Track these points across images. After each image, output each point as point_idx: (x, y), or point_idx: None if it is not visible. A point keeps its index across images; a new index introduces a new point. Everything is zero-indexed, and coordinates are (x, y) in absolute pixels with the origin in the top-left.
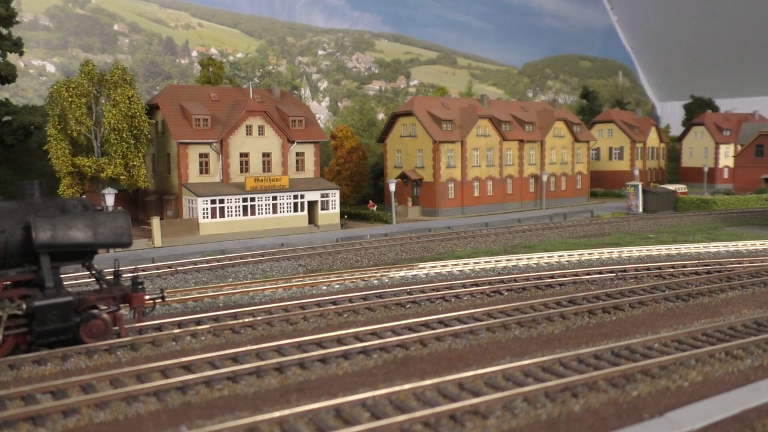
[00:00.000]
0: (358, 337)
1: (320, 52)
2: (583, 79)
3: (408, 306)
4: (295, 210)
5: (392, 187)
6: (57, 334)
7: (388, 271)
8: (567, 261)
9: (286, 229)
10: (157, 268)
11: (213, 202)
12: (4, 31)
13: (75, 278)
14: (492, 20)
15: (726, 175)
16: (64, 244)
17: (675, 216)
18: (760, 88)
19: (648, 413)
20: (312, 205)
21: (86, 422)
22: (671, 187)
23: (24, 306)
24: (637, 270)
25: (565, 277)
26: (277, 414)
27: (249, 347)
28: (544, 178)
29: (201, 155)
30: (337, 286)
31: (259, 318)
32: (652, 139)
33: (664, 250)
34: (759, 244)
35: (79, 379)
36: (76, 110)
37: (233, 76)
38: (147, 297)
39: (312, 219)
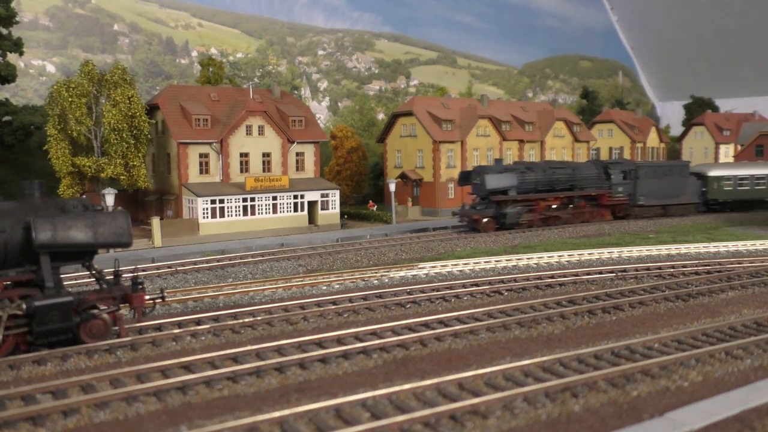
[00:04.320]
0: (358, 337)
1: (320, 52)
2: (583, 79)
3: (408, 306)
4: (295, 210)
5: (392, 187)
6: (57, 334)
7: (388, 271)
8: (567, 261)
9: (286, 229)
10: (157, 268)
11: (213, 202)
12: (4, 31)
13: (75, 278)
14: (492, 20)
15: None
16: (64, 244)
17: (675, 216)
18: (760, 88)
19: (648, 413)
20: (312, 205)
21: (86, 422)
22: None
23: (24, 306)
24: (637, 270)
25: (565, 277)
26: (277, 414)
27: (249, 347)
28: None
29: (201, 155)
30: (337, 286)
31: (259, 318)
32: (652, 139)
33: (664, 250)
34: (759, 244)
35: (79, 379)
36: (76, 110)
37: (233, 76)
38: (147, 297)
39: (312, 219)
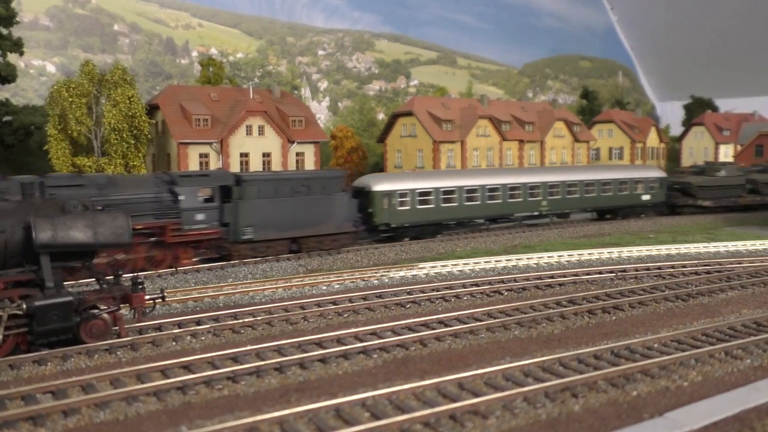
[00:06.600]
0: (358, 337)
1: (320, 52)
2: (583, 79)
3: (408, 306)
4: None
5: None
6: (57, 334)
7: (388, 271)
8: (567, 261)
9: None
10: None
11: None
12: (4, 31)
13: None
14: (492, 20)
15: None
16: (64, 244)
17: (675, 216)
18: (760, 88)
19: (648, 413)
20: None
21: (86, 422)
22: None
23: (24, 306)
24: (637, 270)
25: (565, 277)
26: (277, 414)
27: (249, 347)
28: None
29: (201, 155)
30: (337, 286)
31: (259, 318)
32: (652, 139)
33: (664, 250)
34: (759, 244)
35: (79, 379)
36: (77, 110)
37: (233, 76)
38: (147, 297)
39: None
